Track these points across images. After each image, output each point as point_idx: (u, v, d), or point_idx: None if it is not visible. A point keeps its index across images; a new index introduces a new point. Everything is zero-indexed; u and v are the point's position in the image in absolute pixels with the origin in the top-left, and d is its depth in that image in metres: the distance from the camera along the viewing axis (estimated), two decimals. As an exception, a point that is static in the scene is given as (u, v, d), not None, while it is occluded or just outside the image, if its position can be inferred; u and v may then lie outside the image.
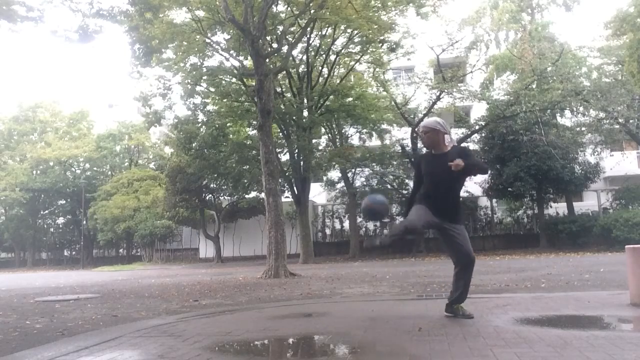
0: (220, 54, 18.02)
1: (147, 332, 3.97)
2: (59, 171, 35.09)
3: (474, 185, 23.06)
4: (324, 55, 20.23)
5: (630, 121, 20.25)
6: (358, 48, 20.18)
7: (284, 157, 21.48)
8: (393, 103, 22.23)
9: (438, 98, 21.47)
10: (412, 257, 19.51)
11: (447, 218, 4.16)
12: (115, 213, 28.63)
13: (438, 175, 4.18)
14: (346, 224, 25.21)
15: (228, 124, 22.45)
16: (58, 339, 4.03)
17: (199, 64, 18.14)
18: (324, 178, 24.90)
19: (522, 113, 18.87)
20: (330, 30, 18.96)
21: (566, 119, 21.65)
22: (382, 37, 17.87)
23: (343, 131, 23.65)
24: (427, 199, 4.25)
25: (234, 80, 19.62)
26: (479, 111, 23.50)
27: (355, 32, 18.33)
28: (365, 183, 23.05)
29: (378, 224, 25.40)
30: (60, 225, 37.30)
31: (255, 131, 18.80)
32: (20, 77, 59.94)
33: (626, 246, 4.67)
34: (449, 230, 4.17)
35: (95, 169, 36.98)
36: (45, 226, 37.08)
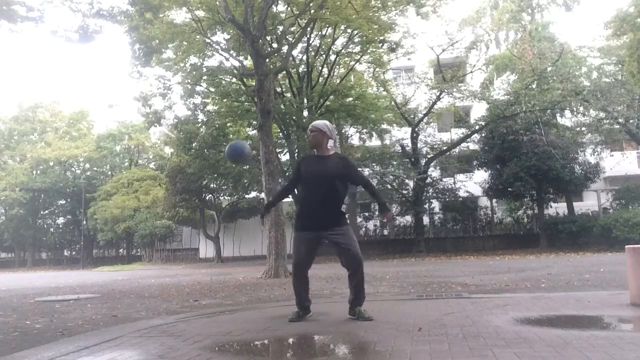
0: (220, 54, 18.02)
1: (147, 332, 3.97)
2: (59, 171, 35.09)
3: (474, 185, 23.07)
4: (324, 55, 20.21)
5: (630, 121, 20.24)
6: (358, 48, 20.16)
7: (284, 157, 21.49)
8: (393, 103, 22.23)
9: (438, 98, 21.49)
10: (412, 257, 19.51)
11: (329, 221, 4.21)
12: (115, 213, 28.63)
13: (319, 177, 4.26)
14: (346, 224, 25.17)
15: (228, 124, 22.44)
16: (58, 339, 4.02)
17: (199, 64, 18.14)
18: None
19: (522, 113, 18.87)
20: (330, 30, 18.95)
21: (566, 119, 21.65)
22: (382, 37, 17.86)
23: (343, 131, 23.65)
24: (307, 203, 4.33)
25: (234, 80, 19.62)
26: (479, 111, 23.51)
27: (355, 32, 18.31)
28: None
29: (378, 224, 25.41)
30: (60, 225, 37.30)
31: (255, 131, 18.80)
32: (20, 77, 59.99)
33: (626, 246, 4.67)
34: (333, 236, 4.22)
35: (95, 169, 37.00)
36: (45, 226, 37.08)
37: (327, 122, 4.50)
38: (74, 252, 35.98)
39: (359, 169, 20.82)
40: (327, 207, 4.23)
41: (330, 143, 4.35)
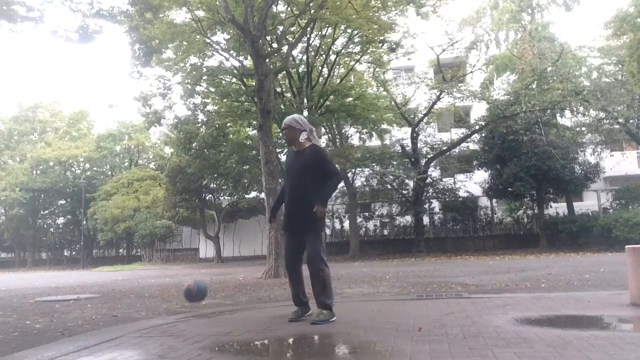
0: (220, 54, 18.02)
1: (147, 332, 3.97)
2: (59, 171, 35.09)
3: (474, 185, 23.07)
4: (324, 55, 20.21)
5: (630, 121, 20.24)
6: (358, 48, 20.16)
7: (284, 157, 21.49)
8: (393, 103, 22.23)
9: (438, 98, 21.49)
10: (412, 257, 19.51)
11: (303, 220, 4.14)
12: (115, 213, 28.63)
13: (294, 172, 4.25)
14: (346, 224, 25.22)
15: (228, 124, 22.43)
16: (58, 339, 4.02)
17: (199, 64, 18.13)
18: (324, 178, 24.86)
19: (522, 113, 18.87)
20: (330, 30, 18.95)
21: (566, 119, 21.66)
22: (382, 37, 17.86)
23: (343, 131, 23.64)
24: (286, 200, 4.32)
25: (234, 80, 19.61)
26: (479, 111, 23.51)
27: (355, 32, 18.31)
28: (365, 183, 23.06)
29: (378, 224, 25.42)
30: (60, 225, 37.30)
31: (255, 131, 18.79)
32: (20, 77, 60.02)
33: (626, 246, 4.67)
34: (305, 237, 4.20)
35: (95, 169, 37.00)
36: (45, 226, 37.08)
37: (296, 116, 4.42)
38: (74, 252, 35.98)
39: (359, 168, 20.67)
40: (301, 205, 4.14)
41: (304, 136, 4.25)
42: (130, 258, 31.74)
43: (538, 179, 19.54)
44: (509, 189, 20.23)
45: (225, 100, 20.43)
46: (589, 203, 23.02)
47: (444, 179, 23.85)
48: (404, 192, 22.78)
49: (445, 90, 20.82)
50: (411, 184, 22.30)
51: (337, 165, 4.20)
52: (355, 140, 24.13)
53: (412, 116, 22.84)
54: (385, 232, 25.57)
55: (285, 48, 14.93)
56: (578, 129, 20.91)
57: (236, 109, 20.48)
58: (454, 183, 23.83)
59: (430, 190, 23.16)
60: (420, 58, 23.01)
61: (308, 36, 18.70)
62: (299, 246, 4.32)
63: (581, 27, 34.02)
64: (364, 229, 25.02)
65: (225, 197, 26.51)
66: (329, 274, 4.19)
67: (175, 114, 21.41)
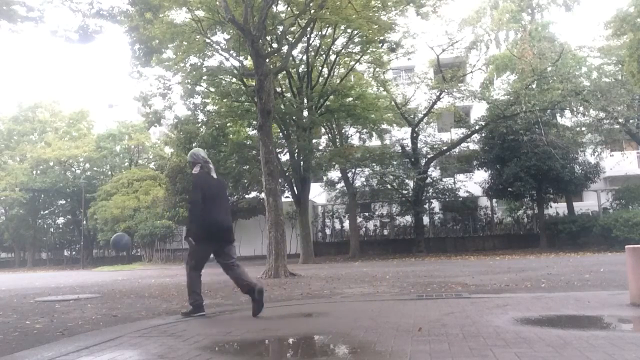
0: (220, 54, 18.03)
1: (147, 332, 3.97)
2: (59, 171, 35.07)
3: (474, 185, 23.08)
4: (324, 55, 20.22)
5: (630, 121, 20.25)
6: (358, 48, 20.16)
7: (284, 157, 21.49)
8: (393, 103, 22.23)
9: (438, 98, 21.50)
10: (412, 257, 19.51)
11: None
12: (115, 213, 28.61)
13: None
14: (346, 224, 25.21)
15: (228, 124, 22.45)
16: (58, 339, 4.03)
17: (199, 64, 18.14)
18: (324, 178, 24.91)
19: (522, 113, 18.86)
20: (330, 30, 18.95)
21: (566, 119, 21.65)
22: (382, 37, 17.86)
23: (343, 131, 23.65)
24: None
25: (234, 80, 19.62)
26: (479, 111, 23.51)
27: (355, 32, 18.32)
28: (365, 183, 23.08)
29: (378, 224, 25.44)
30: (60, 225, 37.26)
31: (255, 131, 18.81)
32: (20, 77, 60.02)
33: (626, 246, 4.67)
34: None
35: (95, 169, 36.96)
36: (45, 226, 37.04)
37: (193, 151, 5.28)
38: (74, 252, 35.95)
39: (359, 168, 20.86)
40: None
41: (197, 168, 5.09)
42: (130, 258, 31.70)
43: (538, 179, 19.54)
44: (509, 189, 20.23)
45: (225, 100, 20.44)
46: (589, 203, 23.02)
47: (444, 179, 23.84)
48: (404, 192, 22.78)
49: (445, 90, 20.82)
50: (411, 184, 22.30)
51: (198, 196, 4.84)
52: (355, 140, 24.13)
53: (412, 116, 22.84)
54: (385, 232, 25.57)
55: (285, 48, 14.94)
56: (578, 129, 20.91)
57: (236, 109, 20.48)
58: (454, 183, 23.82)
59: (430, 190, 23.15)
60: (420, 58, 23.02)
61: (308, 36, 18.70)
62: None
63: (581, 27, 33.97)
64: (364, 229, 25.01)
65: (225, 197, 26.48)
66: (190, 275, 4.94)
67: (175, 114, 21.43)
